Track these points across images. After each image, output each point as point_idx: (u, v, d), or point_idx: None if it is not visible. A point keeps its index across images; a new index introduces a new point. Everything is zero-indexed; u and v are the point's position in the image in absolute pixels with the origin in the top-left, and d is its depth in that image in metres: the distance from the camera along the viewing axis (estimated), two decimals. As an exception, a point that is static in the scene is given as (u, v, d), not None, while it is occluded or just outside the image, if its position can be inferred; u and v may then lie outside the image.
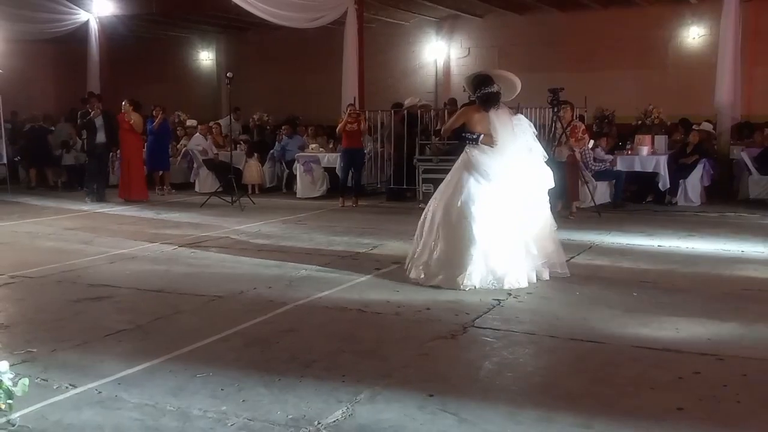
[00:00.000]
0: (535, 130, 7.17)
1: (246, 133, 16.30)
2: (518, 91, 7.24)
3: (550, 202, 7.10)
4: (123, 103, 13.60)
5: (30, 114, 17.03)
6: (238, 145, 15.01)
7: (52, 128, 16.84)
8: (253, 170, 14.63)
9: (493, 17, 17.26)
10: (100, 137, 13.38)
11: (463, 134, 6.90)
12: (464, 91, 7.71)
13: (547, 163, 7.15)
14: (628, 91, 14.88)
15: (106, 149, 13.68)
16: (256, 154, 14.82)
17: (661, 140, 12.70)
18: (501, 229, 6.54)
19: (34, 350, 4.84)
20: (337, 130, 12.95)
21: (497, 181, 6.67)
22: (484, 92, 6.85)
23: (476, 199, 6.57)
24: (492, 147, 6.73)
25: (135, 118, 13.56)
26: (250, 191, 14.21)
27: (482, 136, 6.76)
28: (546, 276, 6.73)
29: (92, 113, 13.34)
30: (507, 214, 6.61)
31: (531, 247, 6.63)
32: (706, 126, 13.21)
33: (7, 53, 16.39)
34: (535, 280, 6.62)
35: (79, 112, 14.08)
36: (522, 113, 11.98)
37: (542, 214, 6.89)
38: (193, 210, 12.12)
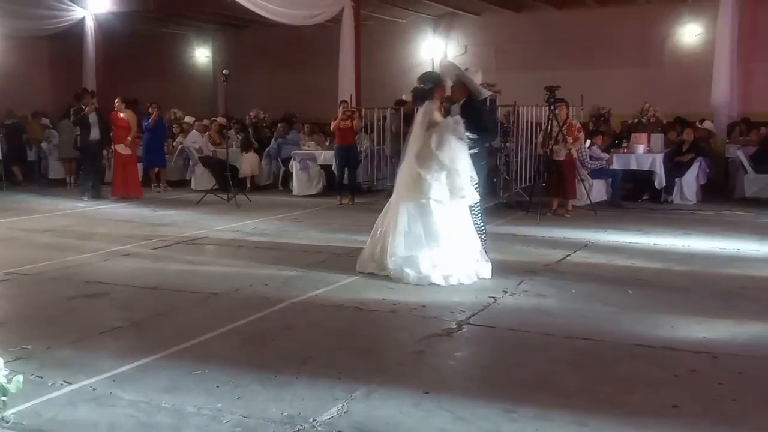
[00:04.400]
0: (465, 138, 6.84)
1: (243, 131, 16.25)
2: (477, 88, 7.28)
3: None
4: (116, 101, 13.54)
5: (5, 109, 16.89)
6: (234, 142, 15.00)
7: (49, 125, 16.74)
8: (251, 162, 14.60)
9: (490, 15, 17.24)
10: (94, 134, 13.29)
11: None
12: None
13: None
14: (625, 89, 14.87)
15: (99, 146, 13.60)
16: (253, 149, 14.79)
17: (657, 138, 12.70)
18: (391, 225, 6.82)
19: (29, 347, 4.82)
20: (331, 127, 12.95)
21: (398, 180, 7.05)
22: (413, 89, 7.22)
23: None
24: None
25: (127, 115, 13.49)
26: (248, 185, 14.21)
27: None
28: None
29: (86, 109, 13.28)
30: (399, 211, 6.81)
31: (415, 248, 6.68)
32: (708, 125, 13.22)
33: (2, 50, 16.36)
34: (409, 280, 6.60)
35: (71, 109, 14.01)
36: (519, 111, 12.14)
37: (429, 221, 6.74)
38: (188, 207, 12.09)
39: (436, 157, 6.66)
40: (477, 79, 7.31)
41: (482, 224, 7.25)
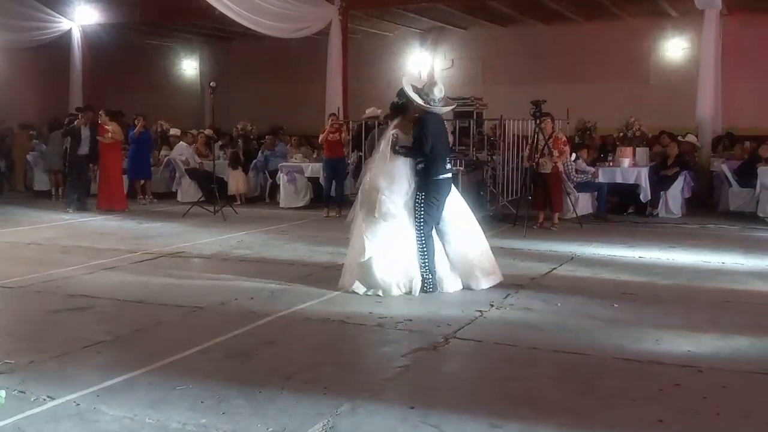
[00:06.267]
0: (389, 152, 6.73)
1: (230, 143, 16.22)
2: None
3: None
4: (100, 113, 13.50)
5: None
6: (221, 155, 14.96)
7: (36, 137, 16.63)
8: (239, 180, 14.55)
9: (477, 29, 17.36)
10: (83, 149, 13.28)
11: None
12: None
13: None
14: (611, 103, 15.00)
15: (87, 161, 13.56)
16: (240, 167, 14.74)
17: (642, 152, 12.78)
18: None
19: (12, 361, 4.78)
20: (319, 140, 12.97)
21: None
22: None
23: None
24: None
25: (113, 127, 13.45)
26: (239, 201, 14.16)
27: None
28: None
29: (77, 122, 13.26)
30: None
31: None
32: (691, 138, 13.32)
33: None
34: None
35: (67, 118, 14.02)
36: (505, 125, 12.20)
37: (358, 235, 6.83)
38: (174, 220, 12.04)
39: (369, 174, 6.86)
40: (434, 93, 6.79)
41: (424, 250, 6.78)
